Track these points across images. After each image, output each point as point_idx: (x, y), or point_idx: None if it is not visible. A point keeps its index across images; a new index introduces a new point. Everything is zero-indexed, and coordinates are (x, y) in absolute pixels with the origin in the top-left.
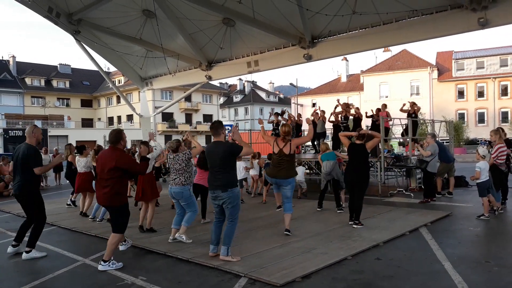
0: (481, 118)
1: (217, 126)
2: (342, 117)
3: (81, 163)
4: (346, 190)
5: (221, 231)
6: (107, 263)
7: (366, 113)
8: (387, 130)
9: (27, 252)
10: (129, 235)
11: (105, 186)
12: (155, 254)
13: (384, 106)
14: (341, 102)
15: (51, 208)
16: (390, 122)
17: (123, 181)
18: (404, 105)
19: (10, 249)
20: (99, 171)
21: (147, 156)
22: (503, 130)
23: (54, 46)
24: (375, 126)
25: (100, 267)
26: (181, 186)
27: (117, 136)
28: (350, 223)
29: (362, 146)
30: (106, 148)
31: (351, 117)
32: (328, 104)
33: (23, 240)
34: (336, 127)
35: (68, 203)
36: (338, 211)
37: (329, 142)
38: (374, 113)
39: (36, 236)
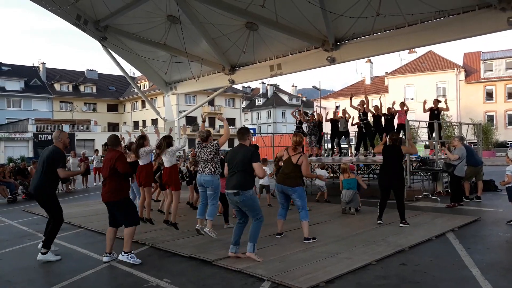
0: (511, 120)
1: (243, 132)
2: (361, 113)
3: None
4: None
5: (242, 232)
6: (127, 254)
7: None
8: (403, 126)
9: (42, 253)
10: (153, 237)
11: (107, 184)
12: (179, 257)
13: (402, 104)
14: (355, 101)
15: (79, 210)
16: (412, 123)
17: (122, 179)
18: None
19: (40, 257)
20: (102, 172)
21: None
22: None
23: (82, 52)
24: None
25: (120, 257)
26: (211, 175)
27: (116, 140)
28: (378, 222)
29: (396, 148)
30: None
31: (370, 114)
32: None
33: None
34: (360, 128)
35: None
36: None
37: (353, 145)
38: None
39: (52, 237)
